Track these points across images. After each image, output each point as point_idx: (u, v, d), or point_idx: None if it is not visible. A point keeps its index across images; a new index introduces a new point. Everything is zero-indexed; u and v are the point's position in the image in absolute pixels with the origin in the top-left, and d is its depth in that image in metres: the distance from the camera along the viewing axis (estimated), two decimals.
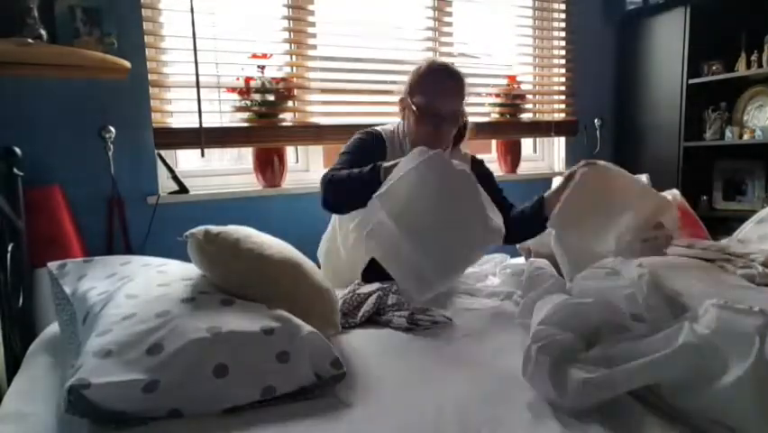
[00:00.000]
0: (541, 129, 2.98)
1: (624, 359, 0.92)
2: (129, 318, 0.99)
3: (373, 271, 1.51)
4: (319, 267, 1.61)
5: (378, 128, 1.73)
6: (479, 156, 1.87)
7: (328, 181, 1.49)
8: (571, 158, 3.08)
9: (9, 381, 1.19)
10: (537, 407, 0.95)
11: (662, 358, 0.89)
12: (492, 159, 3.00)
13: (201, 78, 2.18)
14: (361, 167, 1.44)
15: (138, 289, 1.11)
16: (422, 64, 1.65)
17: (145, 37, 2.11)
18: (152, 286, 1.12)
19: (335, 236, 1.80)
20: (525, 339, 1.05)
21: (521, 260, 1.90)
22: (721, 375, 0.85)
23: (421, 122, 1.58)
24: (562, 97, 3.04)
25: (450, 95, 1.58)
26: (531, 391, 0.98)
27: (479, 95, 2.83)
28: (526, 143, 3.10)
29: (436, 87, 1.58)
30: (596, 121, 3.04)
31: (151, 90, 2.15)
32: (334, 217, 1.82)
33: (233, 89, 2.29)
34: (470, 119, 2.73)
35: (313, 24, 2.42)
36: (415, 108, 1.57)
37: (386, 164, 1.36)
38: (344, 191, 1.46)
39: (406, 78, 1.67)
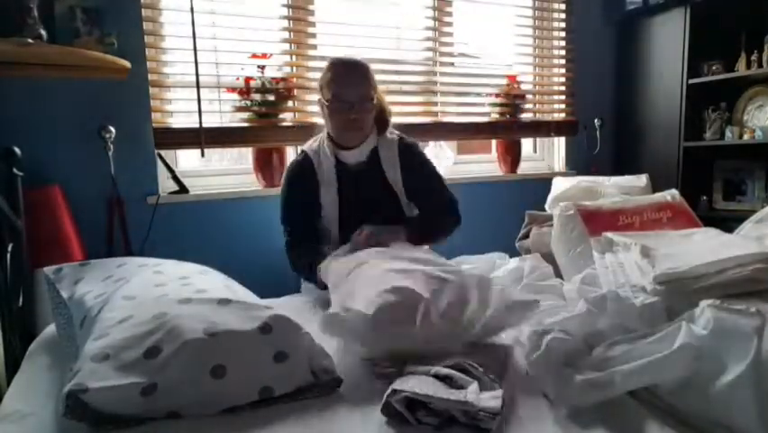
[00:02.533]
0: (541, 129, 2.98)
1: (622, 361, 0.92)
2: (126, 321, 0.99)
3: None
4: None
5: (305, 147, 1.87)
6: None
7: (288, 257, 1.80)
8: (571, 158, 3.08)
9: (9, 381, 1.19)
10: (537, 407, 0.95)
11: (661, 359, 0.89)
12: (492, 159, 3.00)
13: (201, 78, 2.18)
14: (298, 213, 1.78)
15: (134, 290, 1.11)
16: (325, 64, 1.80)
17: (145, 37, 2.11)
18: (149, 287, 1.12)
19: None
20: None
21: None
22: (719, 376, 0.85)
23: (334, 114, 1.70)
24: (562, 97, 3.03)
25: (353, 82, 1.69)
26: (531, 391, 0.99)
27: (478, 95, 2.83)
28: (526, 143, 3.10)
29: (339, 78, 1.70)
30: (596, 121, 3.03)
31: (151, 90, 2.15)
32: None
33: (233, 89, 2.29)
34: (470, 119, 2.77)
35: (313, 24, 2.42)
36: (326, 103, 1.70)
37: (320, 269, 1.52)
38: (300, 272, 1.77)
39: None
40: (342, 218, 1.76)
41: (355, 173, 1.78)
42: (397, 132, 1.89)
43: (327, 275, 1.44)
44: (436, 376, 0.96)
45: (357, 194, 1.76)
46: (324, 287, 1.46)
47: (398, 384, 0.93)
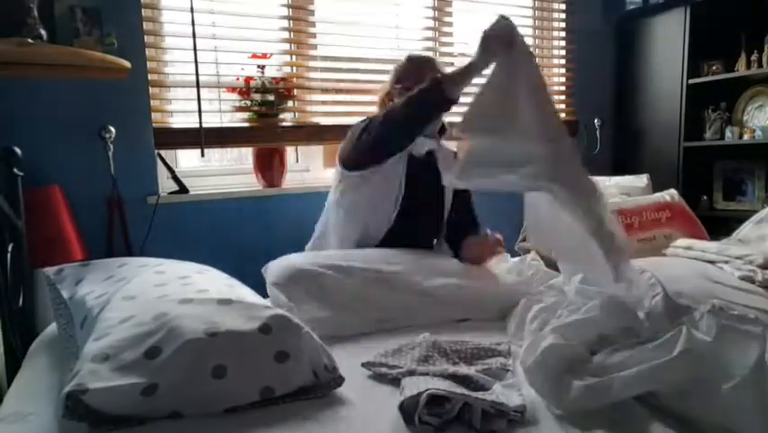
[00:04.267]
0: None
1: (623, 367, 0.92)
2: (126, 321, 0.99)
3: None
4: None
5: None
6: None
7: (379, 122, 1.59)
8: None
9: (9, 381, 1.20)
10: (537, 407, 0.95)
11: (661, 366, 0.89)
12: None
13: (201, 78, 2.18)
14: None
15: (135, 290, 1.11)
16: (402, 59, 1.85)
17: (145, 37, 2.11)
18: (150, 287, 1.11)
19: (325, 235, 1.84)
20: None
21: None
22: (721, 380, 0.85)
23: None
24: (562, 97, 3.03)
25: (431, 72, 1.67)
26: (530, 394, 0.99)
27: None
28: None
29: (417, 68, 1.74)
30: (596, 121, 3.03)
31: (151, 90, 2.15)
32: (323, 220, 1.87)
33: (233, 89, 2.29)
34: None
35: (313, 24, 2.42)
36: (401, 90, 1.70)
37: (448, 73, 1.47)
38: (403, 119, 1.55)
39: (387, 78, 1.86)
40: (399, 207, 1.72)
41: (418, 167, 1.75)
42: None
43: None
44: (453, 377, 0.99)
45: (416, 186, 1.74)
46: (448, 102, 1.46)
47: (416, 384, 0.94)
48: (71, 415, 0.85)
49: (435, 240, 1.88)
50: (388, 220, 1.72)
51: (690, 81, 2.72)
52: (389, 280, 1.48)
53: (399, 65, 1.86)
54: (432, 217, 1.82)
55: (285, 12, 2.38)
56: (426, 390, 0.91)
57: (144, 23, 2.10)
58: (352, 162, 1.70)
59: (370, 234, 1.72)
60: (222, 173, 2.45)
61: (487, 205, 2.72)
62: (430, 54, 1.89)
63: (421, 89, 1.48)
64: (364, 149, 1.63)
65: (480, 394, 0.93)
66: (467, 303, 1.49)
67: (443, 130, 1.84)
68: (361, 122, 1.71)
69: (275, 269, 1.51)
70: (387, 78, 2.54)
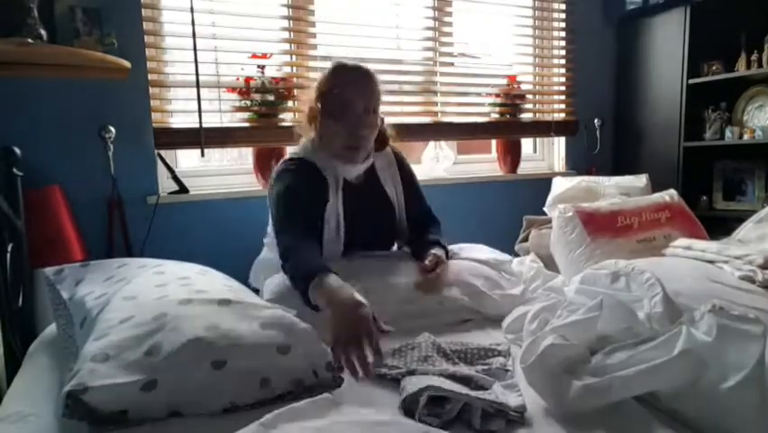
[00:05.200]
0: (541, 129, 2.98)
1: (622, 367, 0.92)
2: (126, 321, 0.99)
3: None
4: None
5: (304, 156, 1.57)
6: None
7: (287, 264, 1.36)
8: (571, 158, 3.08)
9: (9, 381, 1.20)
10: (537, 408, 0.95)
11: (660, 366, 0.89)
12: (492, 159, 3.00)
13: (201, 78, 2.18)
14: (307, 209, 1.45)
15: (135, 291, 1.11)
16: (327, 68, 1.59)
17: (145, 37, 2.11)
18: (149, 288, 1.11)
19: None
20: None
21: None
22: (721, 380, 0.85)
23: (336, 125, 1.51)
24: (562, 97, 3.03)
25: (361, 88, 1.51)
26: (530, 394, 0.99)
27: (478, 95, 2.83)
28: (526, 143, 3.10)
29: (345, 85, 1.51)
30: (596, 121, 3.03)
31: (151, 90, 2.15)
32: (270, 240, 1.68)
33: (233, 89, 2.29)
34: (470, 119, 2.77)
35: (313, 24, 2.42)
36: (326, 110, 1.51)
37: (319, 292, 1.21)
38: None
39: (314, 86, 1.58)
40: (345, 235, 1.58)
41: (356, 187, 1.62)
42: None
43: None
44: (453, 377, 0.99)
45: (359, 208, 1.59)
46: (316, 308, 1.23)
47: (417, 383, 0.95)
48: (71, 414, 0.85)
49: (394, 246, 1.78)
50: (341, 241, 1.57)
51: (690, 81, 2.72)
52: (384, 290, 1.41)
53: (324, 76, 1.57)
54: (386, 224, 1.70)
55: (285, 12, 2.38)
56: (427, 386, 0.91)
57: (144, 23, 2.10)
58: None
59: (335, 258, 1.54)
60: (222, 173, 2.45)
61: (487, 204, 2.73)
62: (363, 64, 1.58)
63: (295, 286, 1.30)
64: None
65: (479, 393, 0.93)
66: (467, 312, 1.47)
67: (383, 144, 1.67)
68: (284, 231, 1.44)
69: (271, 285, 1.44)
70: (387, 77, 2.56)
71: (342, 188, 1.57)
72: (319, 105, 1.54)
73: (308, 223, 1.47)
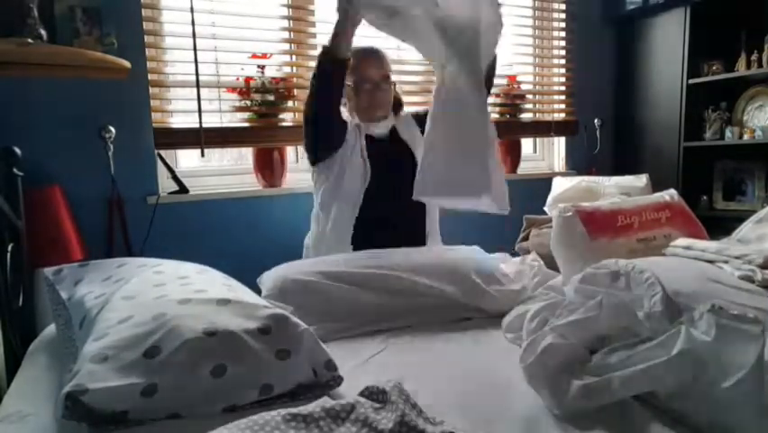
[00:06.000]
0: (541, 129, 2.98)
1: (621, 367, 0.92)
2: (125, 321, 0.99)
3: (360, 240, 1.80)
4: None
5: None
6: None
7: (305, 110, 1.81)
8: (571, 158, 3.08)
9: (9, 381, 1.20)
10: (536, 410, 0.95)
11: (659, 365, 0.88)
12: None
13: (201, 78, 2.18)
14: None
15: (134, 291, 1.10)
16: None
17: (145, 37, 2.11)
18: (149, 287, 1.11)
19: (318, 223, 1.93)
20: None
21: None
22: (720, 380, 0.85)
23: (360, 93, 1.87)
24: (562, 97, 3.03)
25: (373, 63, 1.88)
26: (530, 392, 0.99)
27: None
28: (526, 143, 3.10)
29: (360, 61, 1.85)
30: (596, 121, 3.03)
31: (151, 90, 2.15)
32: (315, 210, 1.96)
33: (233, 89, 2.29)
34: None
35: (313, 24, 2.43)
36: (351, 84, 1.85)
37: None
38: (315, 96, 1.76)
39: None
40: (369, 191, 1.84)
41: (382, 148, 1.90)
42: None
43: None
44: None
45: (385, 166, 1.86)
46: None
47: None
48: (71, 415, 0.85)
49: (426, 229, 1.97)
50: (354, 204, 1.83)
51: (690, 81, 2.72)
52: (384, 284, 1.46)
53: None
54: (402, 175, 1.76)
55: (285, 12, 2.38)
56: None
57: (144, 23, 2.11)
58: (310, 158, 1.88)
59: (343, 217, 1.83)
60: (222, 173, 2.46)
61: None
62: (375, 46, 1.94)
63: (317, 63, 1.72)
64: (308, 139, 1.83)
65: None
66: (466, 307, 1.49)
67: (399, 107, 2.00)
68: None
69: (268, 280, 1.53)
70: None
71: (368, 142, 1.88)
72: (348, 84, 1.86)
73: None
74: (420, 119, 1.95)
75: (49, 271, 1.30)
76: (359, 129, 1.90)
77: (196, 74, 2.16)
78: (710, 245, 1.46)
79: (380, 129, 1.93)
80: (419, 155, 1.83)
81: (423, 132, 1.88)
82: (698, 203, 2.76)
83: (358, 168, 1.85)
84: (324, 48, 1.70)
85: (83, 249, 1.90)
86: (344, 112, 1.91)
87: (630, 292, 1.16)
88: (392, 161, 1.89)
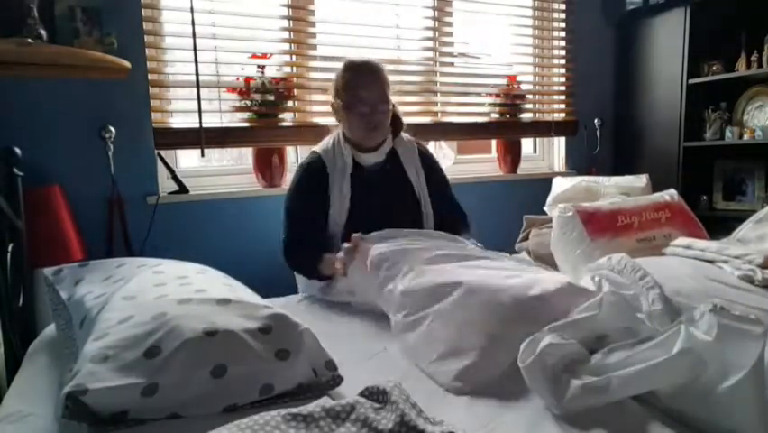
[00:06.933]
0: (541, 129, 2.98)
1: (621, 366, 0.92)
2: (125, 321, 0.99)
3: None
4: None
5: (317, 149, 1.83)
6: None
7: (285, 256, 1.77)
8: (571, 158, 3.08)
9: (9, 381, 1.20)
10: (536, 410, 0.95)
11: (659, 365, 0.88)
12: (492, 159, 3.00)
13: (201, 78, 2.18)
14: (305, 218, 1.73)
15: (134, 290, 1.11)
16: (340, 67, 1.78)
17: (145, 37, 2.11)
18: (149, 287, 1.11)
19: None
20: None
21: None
22: (720, 380, 0.85)
23: (353, 115, 1.71)
24: (562, 97, 3.03)
25: (371, 83, 1.72)
26: (529, 392, 0.99)
27: (478, 95, 2.83)
28: (526, 143, 3.10)
29: (357, 79, 1.71)
30: (596, 121, 3.03)
31: (151, 90, 2.15)
32: None
33: (233, 89, 2.29)
34: (470, 119, 2.78)
35: (313, 24, 2.42)
36: (343, 104, 1.72)
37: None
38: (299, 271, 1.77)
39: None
40: (352, 223, 1.70)
41: (373, 177, 1.77)
42: (407, 135, 1.91)
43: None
44: None
45: (372, 199, 1.74)
46: (328, 278, 1.63)
47: None
48: (71, 415, 0.85)
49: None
50: (337, 233, 1.73)
51: (690, 81, 2.72)
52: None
53: (338, 75, 1.78)
54: (404, 216, 1.78)
55: (285, 12, 2.38)
56: None
57: (144, 23, 2.11)
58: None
59: (330, 243, 1.73)
60: (222, 173, 2.45)
61: (487, 204, 2.73)
62: (369, 58, 1.82)
63: (312, 274, 1.68)
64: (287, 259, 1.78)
65: None
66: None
67: (399, 126, 1.85)
68: (285, 229, 1.80)
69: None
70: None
71: (356, 182, 1.75)
72: (339, 102, 1.74)
73: (307, 229, 1.74)
74: (425, 153, 1.92)
75: (49, 271, 1.30)
76: (343, 160, 1.76)
77: (196, 74, 2.16)
78: (710, 245, 1.47)
79: (373, 158, 1.78)
80: (423, 192, 1.82)
81: (426, 167, 1.86)
82: (698, 203, 2.76)
83: (343, 205, 1.73)
84: (318, 270, 1.65)
85: (83, 249, 1.90)
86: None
87: (629, 290, 1.16)
88: (382, 198, 1.76)
